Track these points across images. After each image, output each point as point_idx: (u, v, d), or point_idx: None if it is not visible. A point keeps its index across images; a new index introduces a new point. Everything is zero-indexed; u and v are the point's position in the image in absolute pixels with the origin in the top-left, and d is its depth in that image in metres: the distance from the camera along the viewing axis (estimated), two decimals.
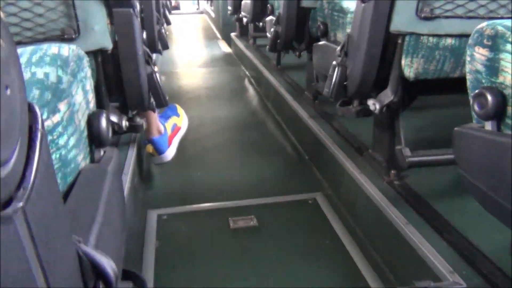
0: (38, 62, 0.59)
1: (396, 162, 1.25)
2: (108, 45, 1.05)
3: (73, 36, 0.97)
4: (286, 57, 2.56)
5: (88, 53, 0.99)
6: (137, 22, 1.11)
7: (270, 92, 2.60)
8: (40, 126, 0.29)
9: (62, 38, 0.96)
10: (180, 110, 1.77)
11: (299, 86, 2.34)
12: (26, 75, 0.57)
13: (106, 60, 1.12)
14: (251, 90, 3.00)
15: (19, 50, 0.64)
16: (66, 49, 0.64)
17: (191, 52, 4.52)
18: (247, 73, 3.39)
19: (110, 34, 1.06)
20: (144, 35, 1.75)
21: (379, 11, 1.06)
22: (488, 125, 0.70)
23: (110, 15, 1.07)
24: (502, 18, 1.00)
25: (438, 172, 1.32)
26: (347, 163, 1.43)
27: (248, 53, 3.36)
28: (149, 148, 1.58)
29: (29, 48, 0.63)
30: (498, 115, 0.68)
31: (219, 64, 3.83)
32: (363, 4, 1.09)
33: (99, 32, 1.01)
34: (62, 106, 0.55)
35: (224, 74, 3.46)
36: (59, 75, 0.58)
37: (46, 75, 0.57)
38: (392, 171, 1.30)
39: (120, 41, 1.08)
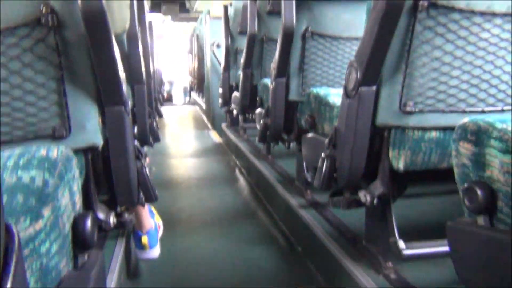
0: (26, 165, 0.59)
1: (391, 254, 1.22)
2: (99, 142, 1.05)
3: (64, 135, 0.97)
4: (276, 147, 2.60)
5: (78, 150, 0.99)
6: (128, 119, 1.13)
7: (260, 181, 2.60)
8: (16, 248, 0.28)
9: (53, 136, 0.96)
10: (154, 209, 1.77)
11: (290, 175, 2.34)
12: (12, 180, 0.56)
13: (96, 157, 1.12)
14: (241, 180, 3.01)
15: (7, 152, 0.64)
16: (55, 151, 0.64)
17: (182, 142, 4.59)
18: (237, 162, 3.42)
19: (101, 132, 1.07)
20: (136, 130, 1.78)
21: (364, 106, 1.09)
22: (480, 220, 0.69)
23: (102, 113, 1.09)
24: (483, 112, 1.04)
25: (435, 264, 1.29)
26: (341, 255, 1.39)
27: (238, 143, 3.42)
28: (145, 240, 1.54)
29: (18, 151, 0.63)
30: (489, 209, 0.67)
31: (210, 154, 3.87)
32: (348, 100, 1.13)
33: (91, 130, 1.01)
34: (46, 211, 0.54)
35: (214, 164, 3.49)
36: (45, 179, 0.57)
37: (32, 179, 0.56)
38: (388, 264, 1.26)
39: (111, 138, 1.09)
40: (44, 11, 0.87)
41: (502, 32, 0.97)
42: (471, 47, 0.98)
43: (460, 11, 0.95)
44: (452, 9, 0.95)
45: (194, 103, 8.69)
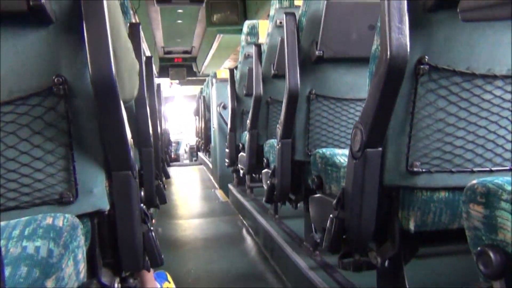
0: (31, 235, 0.58)
1: None
2: (105, 207, 1.05)
3: (71, 200, 0.97)
4: (284, 207, 2.57)
5: (84, 215, 0.99)
6: (135, 183, 1.13)
7: (268, 242, 2.55)
8: None
9: (60, 202, 0.96)
10: (169, 277, 1.74)
11: (298, 236, 2.30)
12: (17, 250, 0.55)
13: (101, 221, 1.12)
14: (249, 240, 2.95)
15: (14, 221, 0.64)
16: (61, 220, 0.63)
17: (189, 202, 4.56)
18: (244, 222, 3.38)
19: (107, 196, 1.07)
20: (142, 193, 1.78)
21: (371, 166, 1.09)
22: (497, 285, 0.66)
23: (109, 177, 1.09)
24: (491, 171, 1.03)
25: None
26: None
27: (245, 202, 3.39)
28: None
29: (24, 220, 0.63)
30: (505, 274, 0.65)
31: (217, 214, 3.84)
32: (354, 161, 1.13)
33: (97, 194, 1.02)
34: (49, 283, 0.53)
35: (221, 224, 3.44)
36: (50, 249, 0.57)
37: (37, 249, 0.56)
38: None
39: (118, 202, 1.09)
40: (56, 81, 0.90)
41: (504, 93, 0.99)
42: (475, 108, 1.00)
43: (461, 74, 0.97)
44: (454, 72, 0.97)
45: (201, 163, 8.73)
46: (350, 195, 1.18)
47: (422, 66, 0.97)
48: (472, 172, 1.03)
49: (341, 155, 1.40)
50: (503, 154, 1.03)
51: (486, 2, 0.60)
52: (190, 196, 5.01)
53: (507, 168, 1.05)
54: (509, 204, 0.63)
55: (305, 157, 1.82)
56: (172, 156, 10.48)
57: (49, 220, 0.62)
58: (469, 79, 0.98)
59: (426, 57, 0.96)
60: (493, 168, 1.04)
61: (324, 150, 1.50)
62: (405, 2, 0.93)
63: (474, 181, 0.71)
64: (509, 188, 0.64)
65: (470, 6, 0.64)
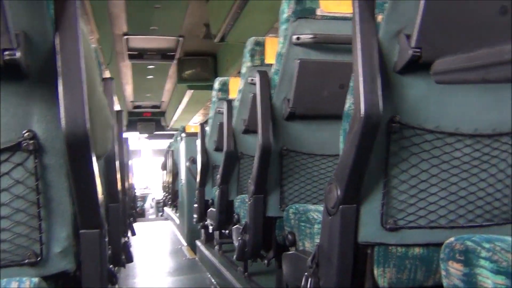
0: None
1: None
2: (71, 267, 1.00)
3: (37, 261, 0.92)
4: (254, 263, 2.51)
5: (49, 276, 0.94)
6: (104, 242, 1.09)
7: None
8: None
9: (26, 263, 0.91)
10: None
11: None
12: None
13: (67, 283, 1.05)
14: None
15: None
16: (27, 283, 0.59)
17: (156, 260, 4.41)
18: (213, 281, 3.27)
19: (74, 256, 1.02)
20: (109, 251, 1.71)
21: (346, 223, 1.09)
22: None
23: (76, 236, 1.04)
24: (463, 227, 1.05)
25: None
26: None
27: (214, 260, 3.30)
28: None
29: None
30: None
31: (184, 272, 3.71)
32: (329, 217, 1.13)
33: (63, 255, 0.97)
34: None
35: (189, 283, 3.33)
36: None
37: None
38: None
39: (84, 262, 1.03)
40: (25, 135, 0.88)
41: (473, 151, 1.02)
42: (445, 165, 1.02)
43: (432, 132, 1.01)
44: (424, 130, 1.00)
45: (168, 218, 8.53)
46: (326, 252, 1.17)
47: (394, 125, 0.99)
48: (446, 228, 1.04)
49: (315, 211, 1.39)
50: (475, 211, 1.05)
51: (458, 66, 0.64)
52: (156, 253, 4.85)
53: (478, 224, 1.07)
54: (489, 262, 0.63)
55: (278, 213, 1.81)
56: (138, 211, 10.23)
57: (14, 285, 0.57)
58: (439, 137, 1.01)
59: (398, 116, 0.99)
60: (465, 224, 1.06)
61: (297, 206, 1.50)
62: (377, 63, 0.97)
63: (452, 239, 0.71)
64: (487, 245, 0.65)
65: (443, 69, 0.67)
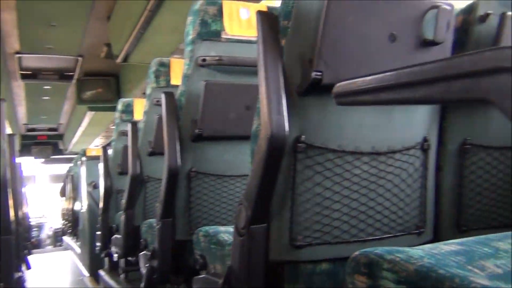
0: None
1: None
2: None
3: None
4: None
5: None
6: None
7: None
8: None
9: None
10: None
11: None
12: None
13: None
14: None
15: None
16: None
17: None
18: None
19: None
20: None
21: (257, 243, 1.10)
22: None
23: None
24: (365, 241, 1.10)
25: None
26: None
27: None
28: None
29: None
30: None
31: None
32: (240, 238, 1.13)
33: None
34: None
35: None
36: None
37: None
38: None
39: None
40: None
41: (370, 168, 1.09)
42: (346, 182, 1.08)
43: (333, 151, 1.06)
44: (327, 150, 1.05)
45: (67, 248, 7.97)
46: (237, 273, 1.16)
47: (300, 144, 1.03)
48: (350, 242, 1.09)
49: (225, 233, 1.39)
50: (374, 224, 1.12)
51: (355, 89, 0.68)
52: (55, 286, 4.48)
53: (378, 237, 1.13)
54: (391, 273, 0.67)
55: (187, 236, 1.77)
56: (33, 241, 9.45)
57: None
58: (340, 155, 1.07)
59: (303, 136, 1.03)
60: (366, 238, 1.12)
61: (207, 228, 1.48)
62: (282, 85, 1.00)
63: (357, 252, 0.75)
64: (388, 257, 0.69)
65: (343, 91, 0.71)
